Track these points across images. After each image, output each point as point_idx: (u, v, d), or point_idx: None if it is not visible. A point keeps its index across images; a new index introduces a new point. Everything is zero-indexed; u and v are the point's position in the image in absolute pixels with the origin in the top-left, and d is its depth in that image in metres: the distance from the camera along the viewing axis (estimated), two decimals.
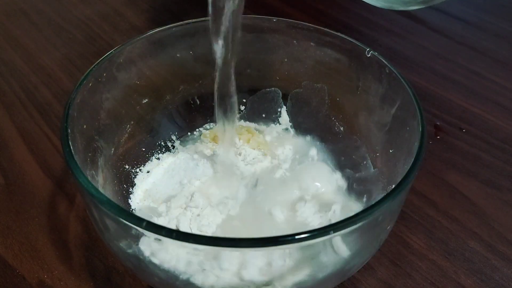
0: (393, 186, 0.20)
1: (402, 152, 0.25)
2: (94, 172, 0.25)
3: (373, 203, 0.19)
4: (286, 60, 0.32)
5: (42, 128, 0.37)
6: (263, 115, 0.34)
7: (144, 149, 0.31)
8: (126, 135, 0.30)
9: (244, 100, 0.34)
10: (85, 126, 0.25)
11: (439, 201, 0.32)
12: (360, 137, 0.31)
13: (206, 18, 0.31)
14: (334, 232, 0.17)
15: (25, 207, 0.31)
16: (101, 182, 0.26)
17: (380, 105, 0.29)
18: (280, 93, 0.34)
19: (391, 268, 0.28)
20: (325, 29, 0.30)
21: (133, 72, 0.29)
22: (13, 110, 0.39)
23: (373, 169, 0.29)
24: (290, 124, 0.34)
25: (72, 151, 0.21)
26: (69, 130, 0.22)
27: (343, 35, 0.29)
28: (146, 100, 0.31)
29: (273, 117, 0.34)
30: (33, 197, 0.31)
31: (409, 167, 0.20)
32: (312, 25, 0.30)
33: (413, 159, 0.21)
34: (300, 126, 0.33)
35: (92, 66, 0.25)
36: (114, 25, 0.50)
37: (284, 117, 0.34)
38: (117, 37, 0.48)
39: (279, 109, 0.34)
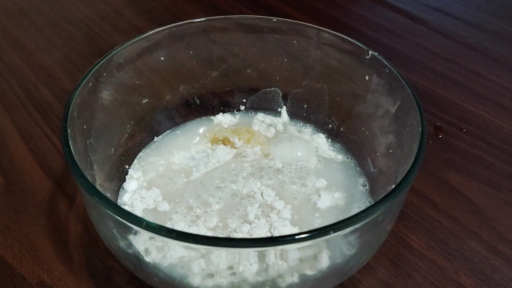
0: (393, 186, 0.20)
1: (402, 152, 0.25)
2: (94, 172, 0.25)
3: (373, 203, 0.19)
4: (286, 60, 0.32)
5: (42, 128, 0.37)
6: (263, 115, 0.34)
7: (144, 149, 0.31)
8: (126, 135, 0.30)
9: (244, 100, 0.34)
10: (85, 126, 0.24)
11: (439, 201, 0.32)
12: (360, 137, 0.31)
13: (207, 18, 0.31)
14: (334, 232, 0.17)
15: (25, 207, 0.31)
16: (101, 181, 0.26)
17: (380, 106, 0.29)
18: (280, 93, 0.34)
19: (391, 268, 0.28)
20: (325, 29, 0.30)
21: (133, 72, 0.29)
22: (13, 110, 0.39)
23: (373, 169, 0.29)
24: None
25: (72, 151, 0.21)
26: (69, 130, 0.21)
27: (343, 35, 0.29)
28: (146, 100, 0.31)
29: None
30: (33, 197, 0.31)
31: (409, 167, 0.20)
32: (312, 25, 0.30)
33: (413, 159, 0.21)
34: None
35: (92, 66, 0.25)
36: (114, 25, 0.50)
37: (284, 117, 0.34)
38: (117, 37, 0.48)
39: (279, 109, 0.34)
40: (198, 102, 0.34)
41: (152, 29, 0.30)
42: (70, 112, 0.22)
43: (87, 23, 0.50)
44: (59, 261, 0.27)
